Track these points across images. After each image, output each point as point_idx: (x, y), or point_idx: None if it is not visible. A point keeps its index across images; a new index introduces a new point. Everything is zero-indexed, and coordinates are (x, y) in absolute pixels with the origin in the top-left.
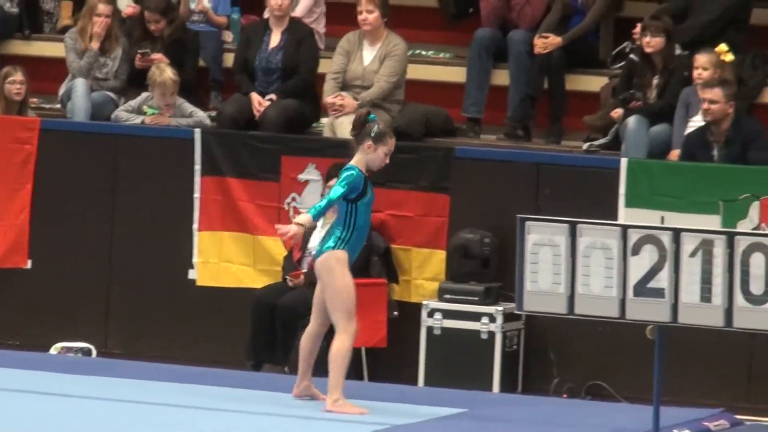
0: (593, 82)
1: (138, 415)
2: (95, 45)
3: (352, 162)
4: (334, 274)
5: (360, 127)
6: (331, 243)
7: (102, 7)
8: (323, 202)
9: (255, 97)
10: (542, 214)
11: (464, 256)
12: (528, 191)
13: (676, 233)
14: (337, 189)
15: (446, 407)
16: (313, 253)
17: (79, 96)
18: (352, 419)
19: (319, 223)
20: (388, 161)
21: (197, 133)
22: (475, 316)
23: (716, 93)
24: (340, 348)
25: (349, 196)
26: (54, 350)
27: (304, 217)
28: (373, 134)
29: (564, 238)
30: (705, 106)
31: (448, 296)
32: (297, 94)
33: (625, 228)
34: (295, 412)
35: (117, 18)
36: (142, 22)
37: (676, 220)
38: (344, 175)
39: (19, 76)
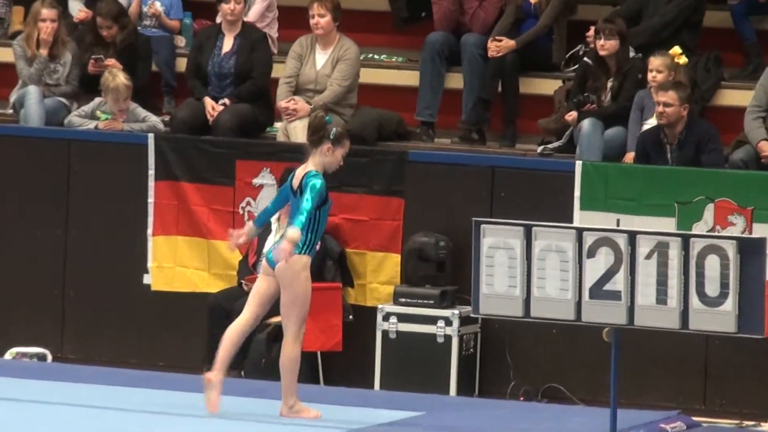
0: (547, 85)
1: (94, 420)
2: (43, 51)
3: (312, 167)
4: (299, 280)
5: (317, 130)
6: (295, 248)
7: (46, 12)
8: (303, 216)
9: (208, 101)
10: (497, 217)
11: (419, 259)
12: (483, 194)
13: (632, 236)
14: (309, 200)
15: (403, 411)
16: (268, 256)
17: (32, 103)
18: (311, 424)
19: (273, 227)
20: (342, 163)
21: (151, 138)
22: (431, 320)
23: (670, 96)
24: (293, 355)
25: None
26: (9, 355)
27: (294, 234)
28: (332, 137)
29: (519, 241)
30: (660, 109)
31: (403, 300)
32: (250, 99)
33: (580, 231)
34: (253, 416)
35: (66, 22)
36: (94, 27)
37: (632, 222)
38: (312, 183)
39: None
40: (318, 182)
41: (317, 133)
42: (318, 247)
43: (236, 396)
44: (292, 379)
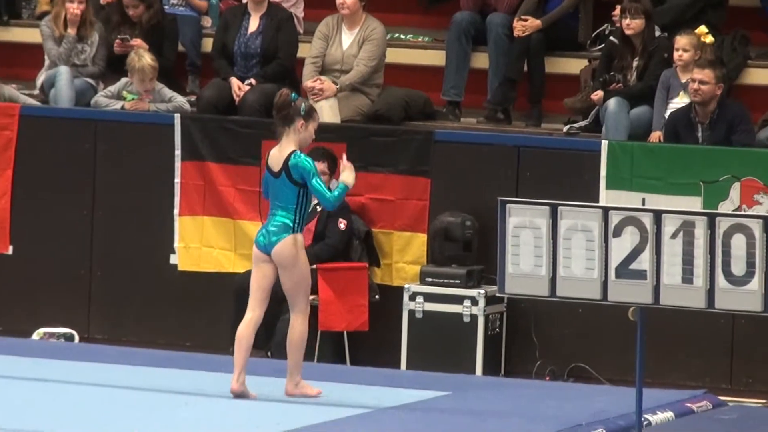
0: (573, 65)
1: (120, 400)
2: (71, 31)
3: (290, 146)
4: (299, 259)
5: (285, 108)
6: (284, 228)
7: None
8: (336, 194)
9: (234, 81)
10: (523, 196)
11: (445, 239)
12: (508, 174)
13: (658, 215)
14: (317, 182)
15: (429, 390)
16: (259, 242)
17: (63, 84)
18: (340, 403)
19: None
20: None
21: (177, 118)
22: (457, 299)
23: (707, 74)
24: (303, 330)
25: (299, 181)
26: (36, 336)
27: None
28: (303, 112)
29: (545, 220)
30: (695, 86)
31: (429, 279)
32: (276, 79)
33: (606, 210)
34: (278, 395)
35: (93, 3)
36: (121, 7)
37: (657, 201)
38: (303, 166)
39: None
40: (308, 163)
41: (285, 111)
42: (344, 226)
43: (263, 376)
44: (299, 357)
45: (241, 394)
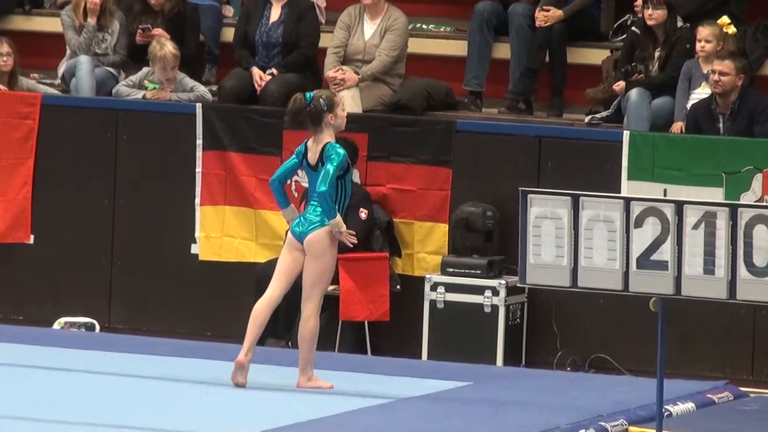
0: (595, 55)
1: (141, 390)
2: (92, 20)
3: (326, 139)
4: (328, 253)
5: (304, 111)
6: (320, 219)
7: None
8: (326, 183)
9: (256, 71)
10: (544, 187)
11: (467, 229)
12: (530, 164)
13: (679, 206)
14: (332, 168)
15: (450, 380)
16: (294, 229)
17: (84, 73)
18: (361, 394)
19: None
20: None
21: (199, 108)
22: (478, 290)
23: (727, 65)
24: (314, 325)
25: (338, 174)
26: (57, 325)
27: (334, 221)
28: (325, 107)
29: (566, 210)
30: (715, 77)
31: (450, 270)
32: (298, 69)
33: (627, 200)
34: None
35: None
36: None
37: (679, 192)
38: (335, 152)
39: (4, 47)
40: (341, 151)
41: (309, 114)
42: (365, 216)
43: (283, 366)
44: (311, 351)
45: (240, 368)
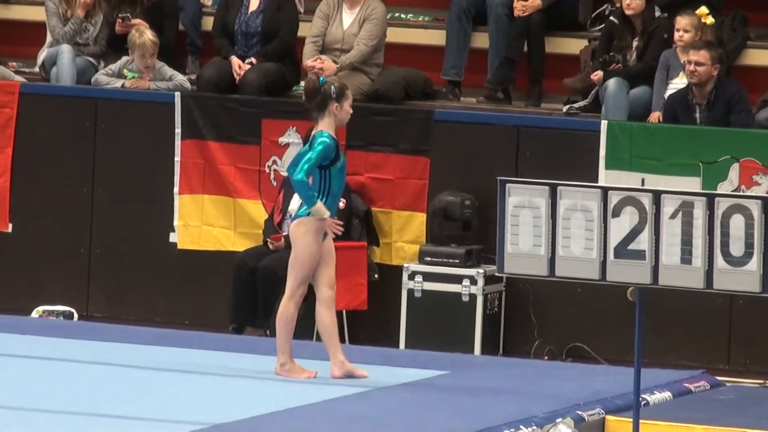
0: (573, 45)
1: (119, 378)
2: (81, 12)
3: (321, 127)
4: (303, 241)
5: (315, 94)
6: (306, 208)
7: None
8: (305, 166)
9: (235, 60)
10: (522, 176)
11: (445, 218)
12: (508, 154)
13: (657, 195)
14: (314, 153)
15: (428, 369)
16: (292, 216)
17: (65, 62)
18: (337, 383)
19: None
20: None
21: (177, 97)
22: (456, 279)
23: (702, 55)
24: (285, 313)
25: (322, 164)
26: (35, 314)
27: (315, 209)
28: (334, 95)
29: (544, 200)
30: (691, 68)
31: (428, 259)
32: (277, 58)
33: (605, 190)
34: (277, 375)
35: None
36: None
37: (656, 182)
38: (318, 143)
39: None
40: (328, 140)
41: (318, 97)
42: (343, 205)
43: (261, 354)
44: (283, 337)
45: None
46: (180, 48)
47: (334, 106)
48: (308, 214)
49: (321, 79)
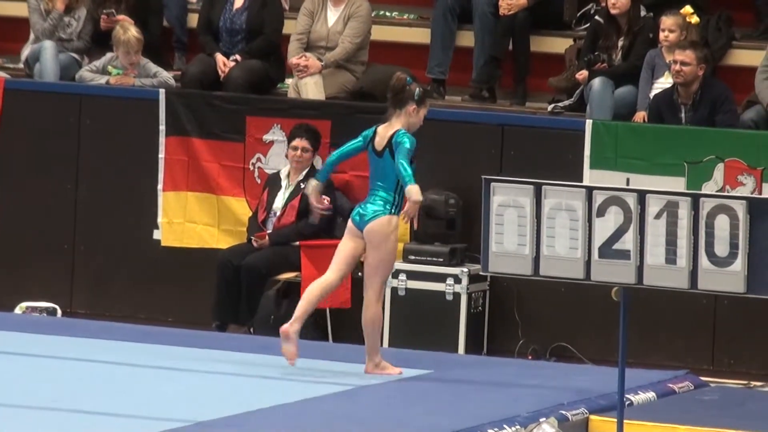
0: (558, 44)
1: (103, 375)
2: (60, 7)
3: (399, 126)
4: (389, 241)
5: (400, 91)
6: (381, 207)
7: None
8: (407, 173)
9: (220, 57)
10: (507, 175)
11: (429, 217)
12: (493, 152)
13: (641, 195)
14: (404, 161)
15: (411, 368)
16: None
17: (48, 58)
18: (320, 380)
19: (283, 183)
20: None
21: (162, 94)
22: (440, 278)
23: (688, 55)
24: (376, 315)
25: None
26: (19, 310)
27: (416, 194)
28: (417, 97)
29: (529, 199)
30: (676, 67)
31: (412, 257)
32: (261, 55)
33: (590, 189)
34: (260, 372)
35: None
36: None
37: (641, 181)
38: (402, 142)
39: None
40: (407, 141)
41: (400, 95)
42: (327, 203)
43: (244, 352)
44: (375, 338)
45: (286, 337)
46: (166, 44)
47: (412, 108)
48: (388, 212)
49: (408, 79)
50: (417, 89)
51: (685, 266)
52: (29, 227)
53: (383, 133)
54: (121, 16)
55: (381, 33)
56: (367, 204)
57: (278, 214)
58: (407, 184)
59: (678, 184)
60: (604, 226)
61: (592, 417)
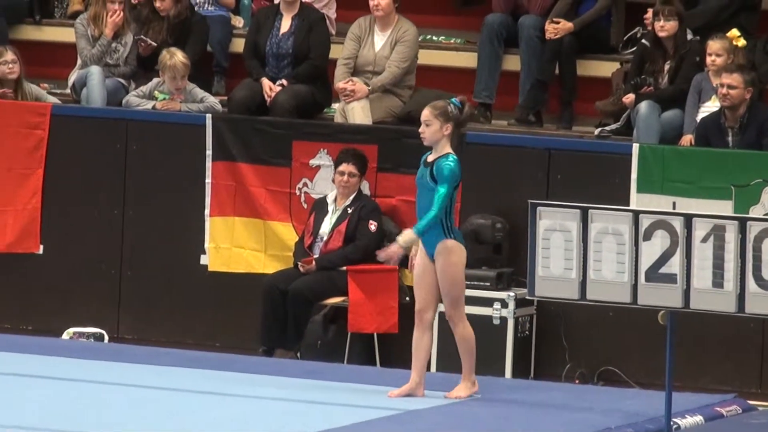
0: (605, 68)
1: (150, 401)
2: (109, 33)
3: (447, 149)
4: (451, 264)
5: (440, 108)
6: (443, 232)
7: None
8: (432, 215)
9: (266, 82)
10: (553, 199)
11: (476, 241)
12: (539, 177)
13: (688, 219)
14: (445, 187)
15: None
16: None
17: (95, 84)
18: (366, 405)
19: (330, 208)
20: None
21: (208, 119)
22: (488, 302)
23: (735, 78)
24: (467, 334)
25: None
26: (66, 335)
27: (408, 236)
28: (451, 115)
29: (576, 223)
30: (723, 91)
31: None
32: (308, 80)
33: (636, 213)
34: (307, 397)
35: (126, 2)
36: (151, 2)
37: (688, 205)
38: (443, 164)
39: (9, 55)
40: (449, 166)
41: (439, 110)
42: (374, 228)
43: (291, 377)
44: (472, 357)
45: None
46: (205, 68)
47: (447, 126)
48: (444, 238)
49: (453, 100)
50: (453, 111)
51: (732, 290)
52: (76, 253)
53: (430, 157)
54: (154, 43)
55: (428, 57)
56: (426, 228)
57: (325, 239)
58: (436, 212)
59: (725, 207)
60: (651, 250)
61: None
